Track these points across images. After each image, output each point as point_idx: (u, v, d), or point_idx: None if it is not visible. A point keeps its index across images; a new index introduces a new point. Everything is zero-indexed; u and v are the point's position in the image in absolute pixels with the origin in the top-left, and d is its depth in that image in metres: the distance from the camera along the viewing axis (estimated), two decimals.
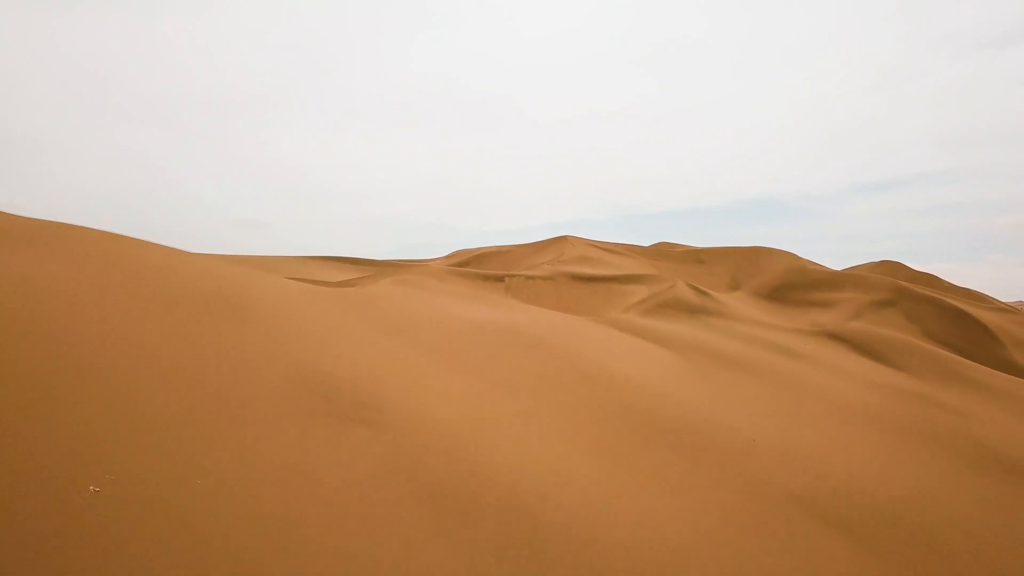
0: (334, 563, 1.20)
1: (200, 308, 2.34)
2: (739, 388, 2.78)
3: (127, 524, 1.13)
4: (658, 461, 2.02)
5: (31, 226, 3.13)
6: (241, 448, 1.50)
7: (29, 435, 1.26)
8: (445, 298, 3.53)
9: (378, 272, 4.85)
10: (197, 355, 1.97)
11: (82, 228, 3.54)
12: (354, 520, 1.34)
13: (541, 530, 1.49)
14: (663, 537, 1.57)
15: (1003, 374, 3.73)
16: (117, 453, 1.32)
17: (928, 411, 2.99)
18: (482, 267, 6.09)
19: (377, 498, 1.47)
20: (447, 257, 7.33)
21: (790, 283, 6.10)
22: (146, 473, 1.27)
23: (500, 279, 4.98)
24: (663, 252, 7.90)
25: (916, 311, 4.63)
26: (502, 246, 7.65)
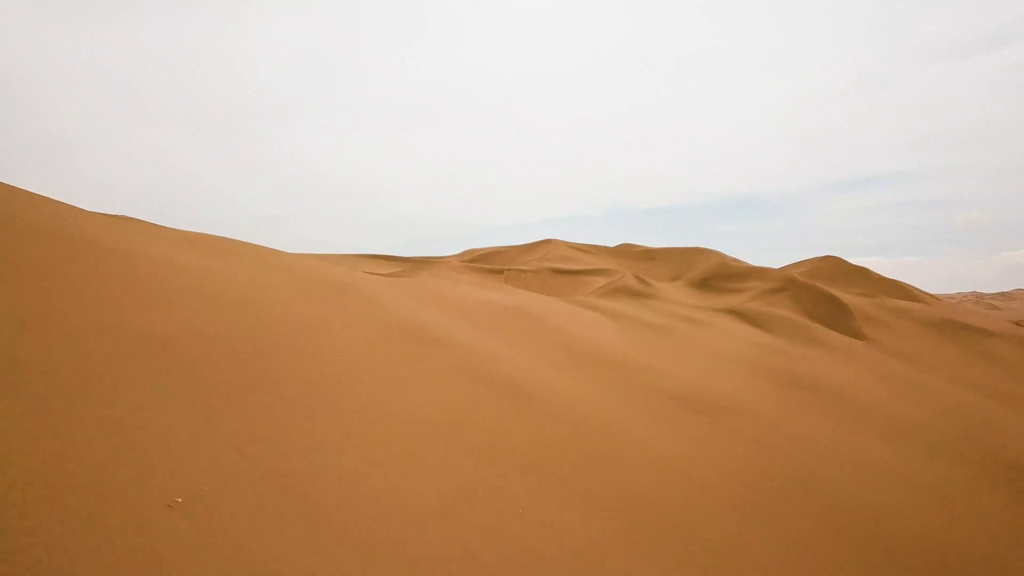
0: (407, 402, 2.61)
1: (328, 290, 3.74)
2: (651, 341, 4.18)
3: (308, 377, 2.55)
4: (589, 374, 3.43)
5: (204, 239, 4.51)
6: (364, 358, 2.90)
7: (281, 369, 2.68)
8: (464, 285, 4.92)
9: (414, 266, 6.28)
10: (335, 315, 3.37)
11: (238, 241, 4.94)
12: (425, 386, 2.74)
13: (530, 389, 2.90)
14: (585, 402, 2.99)
15: (845, 336, 5.14)
16: (311, 357, 2.74)
17: (776, 357, 4.42)
18: (487, 263, 7.55)
19: (437, 376, 2.88)
20: (460, 255, 8.84)
21: (715, 275, 7.56)
22: (318, 365, 2.68)
23: (500, 272, 6.40)
24: (624, 251, 9.41)
25: (799, 295, 6.04)
26: (502, 247, 9.21)
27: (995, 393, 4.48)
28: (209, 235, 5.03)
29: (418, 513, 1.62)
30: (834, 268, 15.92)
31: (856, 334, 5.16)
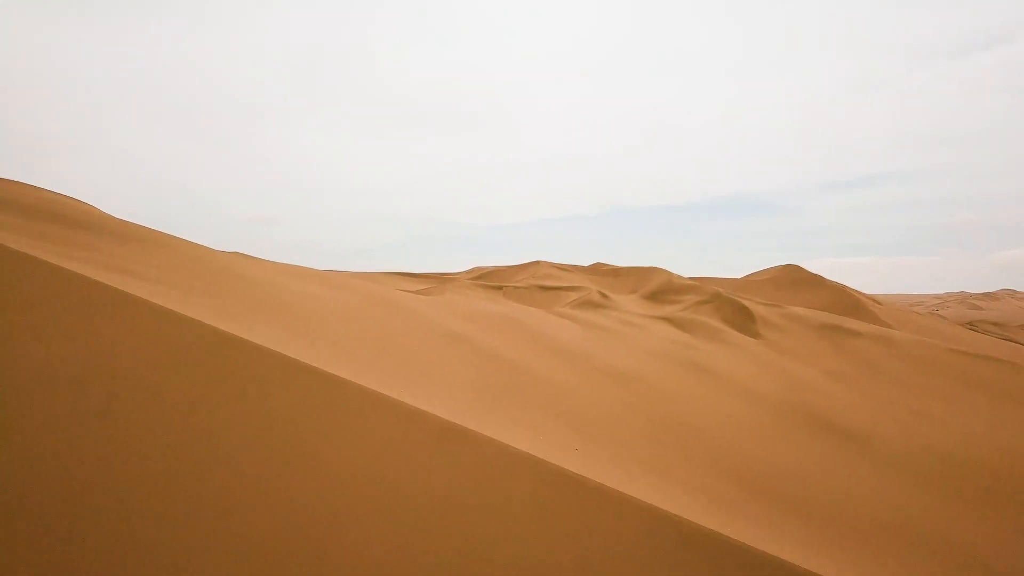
0: (451, 369, 4.74)
1: (387, 305, 5.88)
2: (601, 340, 6.34)
3: (398, 355, 4.71)
4: (557, 359, 5.59)
5: (285, 267, 6.65)
6: (414, 350, 5.05)
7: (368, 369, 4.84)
8: (476, 300, 7.05)
9: (435, 283, 8.44)
10: (394, 324, 5.51)
11: (304, 267, 7.07)
12: (458, 363, 4.87)
13: (521, 365, 5.05)
14: (552, 372, 5.14)
15: (744, 336, 7.30)
16: (395, 345, 4.89)
17: (687, 351, 6.59)
18: (489, 281, 9.77)
19: (465, 358, 5.02)
20: (467, 272, 11.12)
21: (661, 290, 9.76)
22: (398, 350, 4.83)
23: (500, 288, 8.56)
24: (596, 269, 11.73)
25: (720, 305, 8.20)
26: (500, 266, 11.57)
27: (836, 375, 6.69)
28: (287, 264, 7.17)
29: (468, 406, 3.78)
30: (793, 276, 18.30)
31: (754, 335, 7.36)
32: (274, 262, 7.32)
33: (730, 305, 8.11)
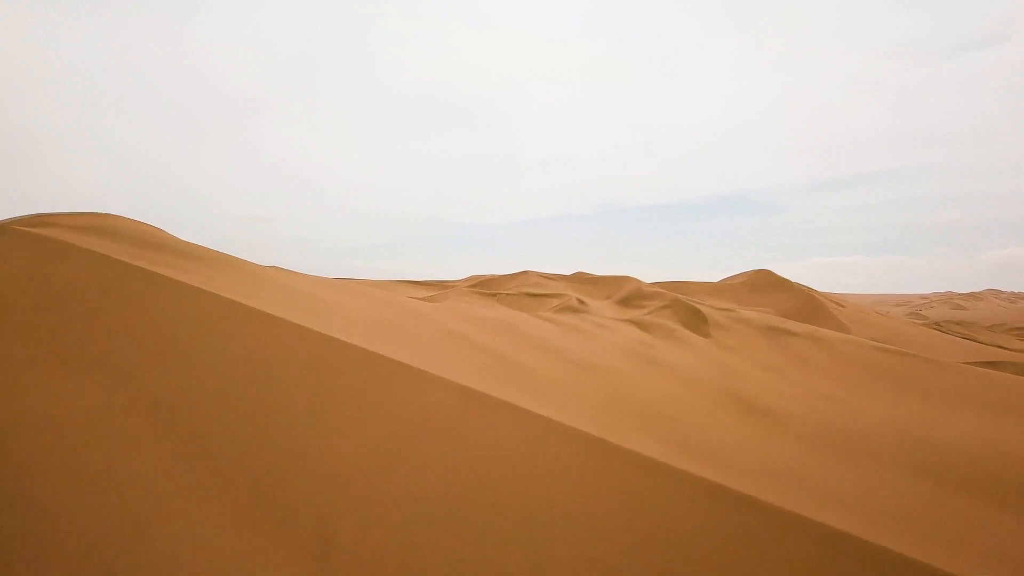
0: (457, 360, 6.25)
1: (402, 310, 7.36)
2: (575, 338, 7.87)
3: (415, 347, 6.22)
4: (538, 353, 7.11)
5: (314, 278, 8.11)
6: (427, 346, 6.56)
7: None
8: (474, 306, 8.49)
9: (437, 291, 9.91)
10: (406, 325, 7.01)
11: (327, 278, 8.54)
12: (462, 356, 6.37)
13: (511, 358, 6.58)
14: (535, 364, 6.66)
15: (695, 335, 8.86)
16: (413, 340, 6.40)
17: (643, 347, 8.15)
18: (484, 288, 11.29)
19: (468, 353, 6.53)
20: (466, 280, 12.68)
21: (632, 296, 11.33)
22: (414, 345, 6.35)
23: (494, 295, 10.07)
24: (577, 278, 13.35)
25: (678, 310, 9.74)
26: (494, 275, 13.12)
27: (768, 367, 8.30)
28: (315, 276, 8.65)
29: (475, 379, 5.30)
30: (765, 280, 20.07)
31: (705, 335, 8.96)
32: (302, 273, 8.77)
33: (686, 309, 9.69)
